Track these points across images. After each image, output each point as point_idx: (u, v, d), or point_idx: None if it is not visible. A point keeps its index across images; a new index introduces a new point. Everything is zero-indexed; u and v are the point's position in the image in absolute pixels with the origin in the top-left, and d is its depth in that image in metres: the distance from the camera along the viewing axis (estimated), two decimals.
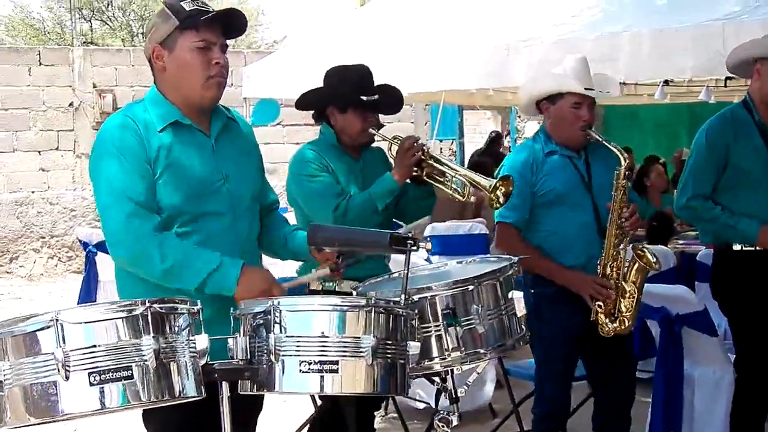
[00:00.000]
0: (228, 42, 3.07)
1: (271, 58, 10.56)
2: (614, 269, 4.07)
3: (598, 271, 4.07)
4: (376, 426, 5.74)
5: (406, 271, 2.41)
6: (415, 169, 3.92)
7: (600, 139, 4.11)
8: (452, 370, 2.80)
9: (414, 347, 2.44)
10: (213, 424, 2.45)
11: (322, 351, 2.30)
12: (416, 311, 2.53)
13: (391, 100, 4.18)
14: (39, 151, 11.41)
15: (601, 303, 4.05)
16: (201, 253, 2.87)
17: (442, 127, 13.90)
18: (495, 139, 13.57)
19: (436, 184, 3.97)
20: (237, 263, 2.86)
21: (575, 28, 7.12)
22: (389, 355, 2.40)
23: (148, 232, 2.82)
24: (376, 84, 4.15)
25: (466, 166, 12.31)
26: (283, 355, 2.31)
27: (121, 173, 2.86)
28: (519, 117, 14.40)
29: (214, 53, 2.97)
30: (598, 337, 4.12)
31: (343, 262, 2.78)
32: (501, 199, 3.77)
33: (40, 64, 11.67)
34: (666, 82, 10.16)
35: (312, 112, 4.20)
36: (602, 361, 4.32)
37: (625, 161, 4.03)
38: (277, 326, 2.33)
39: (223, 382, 2.36)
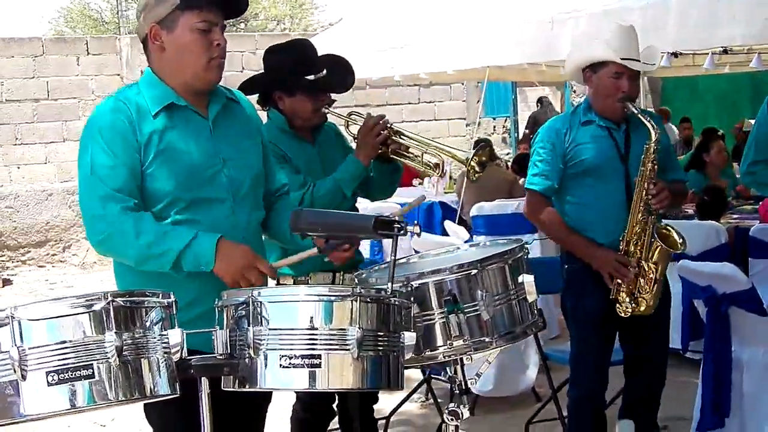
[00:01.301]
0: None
1: (317, 40, 10.42)
2: (638, 247, 3.88)
3: (621, 247, 3.90)
4: (415, 412, 5.64)
5: (393, 257, 2.23)
6: (381, 146, 3.69)
7: (636, 112, 3.90)
8: (461, 360, 2.60)
9: (409, 338, 2.26)
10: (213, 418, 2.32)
11: (303, 344, 2.15)
12: (411, 299, 2.36)
13: (340, 72, 3.88)
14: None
15: (619, 281, 3.88)
16: (177, 229, 2.74)
17: (495, 104, 13.68)
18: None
19: (406, 161, 3.76)
20: (213, 236, 2.70)
21: None
22: (380, 347, 2.23)
23: (121, 212, 2.69)
24: (321, 56, 3.88)
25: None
26: (263, 349, 2.16)
27: (104, 159, 2.74)
28: (574, 92, 14.04)
29: (215, 34, 2.84)
30: (629, 317, 3.95)
31: (331, 243, 2.58)
32: (477, 169, 3.63)
33: (88, 53, 11.70)
34: (725, 51, 9.84)
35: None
36: (632, 341, 4.15)
37: (656, 135, 3.83)
38: (258, 318, 2.17)
39: (203, 379, 2.22)
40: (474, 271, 2.47)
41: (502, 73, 10.11)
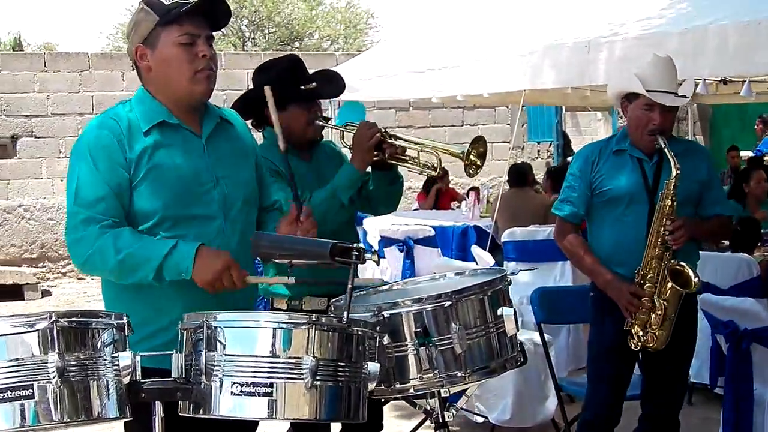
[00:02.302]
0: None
1: (357, 60, 10.45)
2: (653, 282, 3.82)
3: (636, 281, 3.85)
4: None
5: (350, 286, 2.16)
6: (376, 153, 3.61)
7: (664, 146, 3.80)
8: (439, 393, 2.52)
9: (373, 368, 2.19)
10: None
11: (256, 372, 2.09)
12: (378, 328, 2.28)
13: (330, 83, 3.84)
14: None
15: (633, 314, 3.85)
16: (157, 240, 2.71)
17: (539, 128, 13.54)
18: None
19: (403, 164, 3.68)
20: (193, 244, 2.67)
21: (661, 23, 6.74)
22: (341, 378, 2.16)
23: (100, 232, 2.67)
24: (310, 72, 3.82)
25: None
26: (219, 375, 2.11)
27: (89, 177, 2.73)
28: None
29: (199, 46, 2.82)
30: (648, 351, 3.90)
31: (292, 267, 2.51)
32: (479, 162, 3.59)
33: (134, 69, 11.79)
34: None
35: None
36: (650, 371, 4.10)
37: (677, 171, 3.75)
38: (213, 343, 2.12)
39: (157, 402, 2.16)
40: (448, 303, 2.39)
41: (542, 97, 9.99)
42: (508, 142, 13.38)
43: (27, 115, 11.96)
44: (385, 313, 2.36)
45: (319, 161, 3.81)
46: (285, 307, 3.57)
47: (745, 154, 11.95)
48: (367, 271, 9.27)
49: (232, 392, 2.08)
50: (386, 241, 8.82)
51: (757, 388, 4.52)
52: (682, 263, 3.81)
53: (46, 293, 11.78)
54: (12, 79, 11.81)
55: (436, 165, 3.66)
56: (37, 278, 11.72)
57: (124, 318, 2.18)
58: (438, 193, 10.79)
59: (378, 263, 2.19)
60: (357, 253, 2.19)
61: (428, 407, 2.62)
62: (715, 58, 6.08)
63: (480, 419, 5.66)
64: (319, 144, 3.85)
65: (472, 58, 8.17)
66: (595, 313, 4.11)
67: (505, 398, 5.51)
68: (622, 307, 3.86)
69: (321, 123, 3.77)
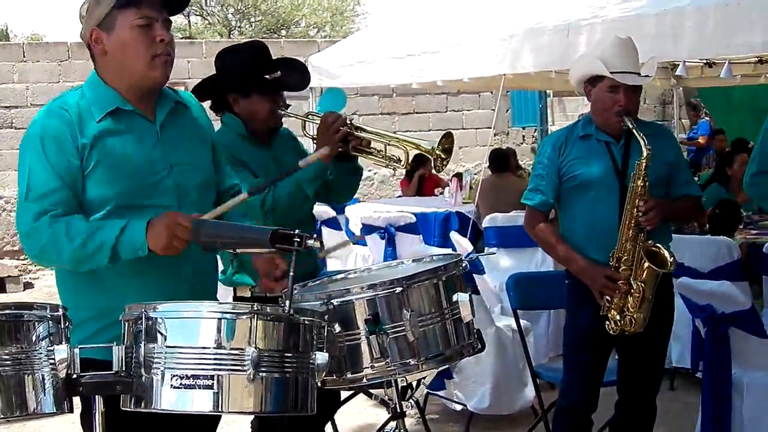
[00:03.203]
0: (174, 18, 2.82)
1: (337, 47, 10.35)
2: (628, 265, 3.77)
3: (611, 264, 3.80)
4: (410, 428, 5.48)
5: (291, 274, 2.09)
6: (340, 144, 3.58)
7: (632, 127, 3.78)
8: (396, 383, 2.45)
9: (321, 358, 2.12)
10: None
11: (197, 364, 2.02)
12: (326, 317, 2.21)
13: (295, 73, 3.81)
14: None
15: (609, 298, 3.80)
16: (108, 222, 2.64)
17: (523, 113, 13.46)
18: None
19: (368, 157, 3.65)
20: (143, 220, 2.60)
21: (641, 4, 6.67)
22: (287, 369, 2.09)
23: (51, 222, 2.61)
24: (274, 59, 3.80)
25: None
26: (160, 368, 2.04)
27: (39, 168, 2.66)
28: None
29: (157, 30, 2.75)
30: (625, 336, 3.86)
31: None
32: (443, 156, 3.59)
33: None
34: (761, 61, 9.55)
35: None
36: (627, 356, 4.06)
37: (647, 151, 3.72)
38: (153, 334, 2.05)
39: (98, 396, 2.09)
40: (399, 289, 2.32)
41: (525, 82, 9.91)
42: (492, 128, 13.33)
43: (7, 106, 11.85)
44: (335, 302, 2.30)
45: (278, 148, 3.78)
46: (249, 295, 3.51)
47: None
48: (350, 260, 9.23)
49: (172, 385, 2.02)
50: (368, 229, 8.76)
51: (735, 372, 4.47)
52: (657, 244, 3.77)
53: (28, 285, 11.68)
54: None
55: (402, 158, 3.63)
56: (19, 271, 11.63)
57: (60, 310, 2.11)
58: (421, 179, 10.72)
59: (320, 250, 2.13)
60: (298, 239, 2.12)
61: (386, 397, 2.53)
62: (694, 40, 6.02)
63: (458, 407, 5.61)
64: (277, 131, 3.82)
65: (453, 42, 8.11)
66: (570, 300, 4.07)
67: (483, 386, 5.46)
68: (596, 291, 3.82)
69: (283, 112, 3.74)
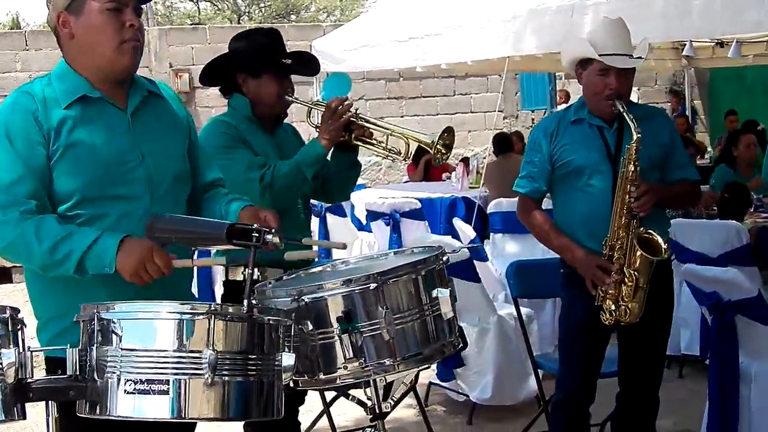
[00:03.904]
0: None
1: (340, 31, 10.20)
2: (621, 252, 3.64)
3: (604, 252, 3.67)
4: (412, 419, 5.38)
5: (250, 271, 1.97)
6: (344, 133, 3.54)
7: (622, 110, 3.64)
8: (374, 382, 2.33)
9: (288, 360, 2.00)
10: None
11: (151, 368, 1.90)
12: (293, 315, 2.09)
13: (305, 60, 3.79)
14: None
15: (602, 288, 3.68)
16: (80, 230, 2.52)
17: (533, 96, 13.28)
18: None
19: (369, 147, 3.60)
20: (117, 236, 2.49)
21: None
22: (251, 372, 1.97)
23: (21, 218, 2.50)
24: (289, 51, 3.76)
25: None
26: (110, 372, 1.93)
27: (6, 160, 2.56)
28: None
29: (127, 15, 2.64)
30: (623, 326, 3.74)
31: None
32: (444, 151, 3.52)
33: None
34: None
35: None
36: (627, 345, 3.93)
37: (637, 135, 3.58)
38: (108, 337, 1.93)
39: (51, 402, 1.98)
40: (373, 285, 2.19)
41: (534, 64, 9.75)
42: (501, 111, 13.17)
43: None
44: (306, 298, 2.17)
45: (281, 138, 3.74)
46: (241, 278, 3.46)
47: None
48: (355, 246, 9.10)
49: (126, 390, 1.90)
50: (372, 215, 8.64)
51: (743, 361, 4.34)
52: (650, 230, 3.64)
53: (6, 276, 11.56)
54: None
55: (402, 151, 3.57)
56: None
57: (8, 312, 1.99)
58: (428, 164, 10.57)
59: (280, 246, 2.00)
60: (257, 235, 2.00)
61: (365, 398, 2.41)
62: (702, 19, 5.84)
63: (461, 398, 5.50)
64: (281, 123, 3.79)
65: (456, 24, 7.94)
66: (565, 289, 3.95)
67: (485, 376, 5.35)
68: (588, 281, 3.70)
69: (290, 98, 3.68)
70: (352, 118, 3.52)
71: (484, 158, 10.88)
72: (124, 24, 2.62)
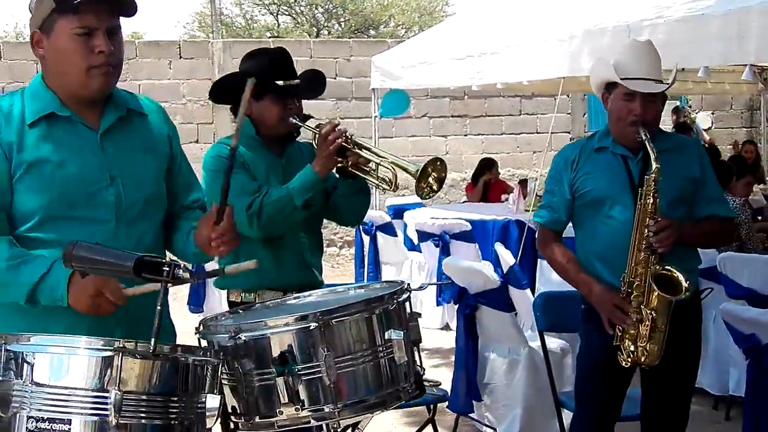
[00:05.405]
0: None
1: (400, 48, 10.09)
2: (640, 290, 3.43)
3: (622, 289, 3.46)
4: None
5: (159, 307, 1.84)
6: (340, 159, 3.42)
7: (645, 139, 3.42)
8: (327, 426, 2.17)
9: (212, 401, 1.86)
10: None
11: (56, 406, 1.79)
12: (205, 355, 1.94)
13: (313, 83, 3.70)
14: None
15: (618, 328, 3.48)
16: (36, 259, 2.43)
17: (600, 117, 12.94)
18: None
19: (363, 175, 3.47)
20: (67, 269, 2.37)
21: (708, 3, 6.23)
22: (172, 413, 1.83)
23: None
24: (300, 71, 3.69)
25: None
26: (14, 407, 1.82)
27: None
28: (690, 107, 13.16)
29: (97, 40, 2.53)
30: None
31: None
32: (434, 186, 3.40)
33: (181, 57, 11.70)
34: None
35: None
36: (650, 386, 3.70)
37: (657, 165, 3.37)
38: (20, 370, 1.82)
39: None
40: (313, 325, 2.03)
41: (586, 85, 9.47)
42: (569, 132, 12.86)
43: None
44: (245, 336, 2.03)
45: (291, 159, 3.64)
46: (239, 300, 3.39)
47: None
48: (404, 268, 8.94)
49: (27, 428, 1.79)
50: (423, 236, 8.48)
51: None
52: (668, 267, 3.39)
53: None
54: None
55: (391, 180, 3.45)
56: None
57: None
58: (486, 184, 10.36)
59: (192, 277, 1.86)
60: (167, 269, 1.86)
61: None
62: (761, 42, 5.56)
63: (489, 431, 5.30)
64: (294, 142, 3.70)
65: (512, 43, 7.77)
66: (584, 325, 3.75)
67: (514, 410, 5.13)
68: (605, 320, 3.50)
69: (295, 121, 3.58)
70: (345, 144, 3.40)
71: (536, 180, 10.65)
72: (94, 50, 2.52)
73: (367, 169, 3.46)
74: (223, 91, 3.71)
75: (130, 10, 2.63)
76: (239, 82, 3.61)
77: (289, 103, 3.58)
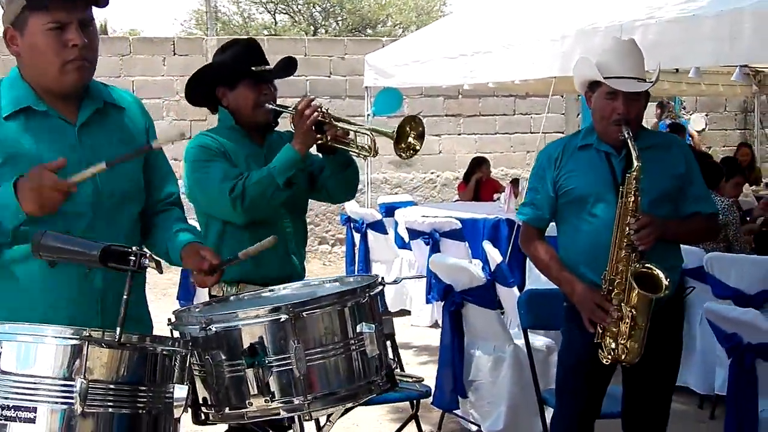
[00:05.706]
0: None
1: (393, 46, 10.10)
2: (620, 287, 3.44)
3: (603, 287, 3.48)
4: None
5: (125, 297, 1.84)
6: (319, 135, 3.42)
7: (627, 137, 3.44)
8: (299, 418, 2.18)
9: (180, 392, 1.86)
10: None
11: (22, 394, 1.79)
12: (174, 345, 1.95)
13: (284, 66, 3.69)
14: (171, 141, 11.31)
15: (597, 326, 3.50)
16: None
17: (588, 118, 12.95)
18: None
19: (343, 147, 3.47)
20: (10, 182, 2.38)
21: (702, 4, 6.24)
22: (140, 403, 1.84)
23: None
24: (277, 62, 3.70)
25: None
26: None
27: None
28: (684, 108, 13.16)
29: (70, 34, 2.53)
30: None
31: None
32: (416, 145, 3.38)
33: (175, 54, 11.68)
34: None
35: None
36: (631, 384, 3.72)
37: (638, 163, 3.39)
38: None
39: None
40: (284, 317, 2.03)
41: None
42: (562, 132, 12.85)
43: None
44: (215, 327, 2.03)
45: (272, 149, 3.61)
46: (222, 293, 3.36)
47: None
48: (395, 266, 8.95)
49: None
50: (413, 234, 8.48)
51: (764, 410, 4.08)
52: (649, 265, 3.41)
53: None
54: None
55: (370, 147, 3.44)
56: None
57: None
58: (478, 183, 10.36)
59: (158, 268, 1.86)
60: (134, 258, 1.87)
61: None
62: (753, 43, 5.57)
63: (474, 427, 5.31)
64: (274, 130, 3.70)
65: (505, 43, 7.79)
66: (565, 323, 3.77)
67: (499, 407, 5.15)
68: (586, 319, 3.51)
69: (271, 106, 3.59)
70: (321, 119, 3.41)
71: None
72: (67, 44, 2.52)
73: (347, 140, 3.46)
74: (196, 89, 3.68)
75: (101, 0, 2.64)
76: (208, 78, 3.67)
77: (264, 88, 3.59)
